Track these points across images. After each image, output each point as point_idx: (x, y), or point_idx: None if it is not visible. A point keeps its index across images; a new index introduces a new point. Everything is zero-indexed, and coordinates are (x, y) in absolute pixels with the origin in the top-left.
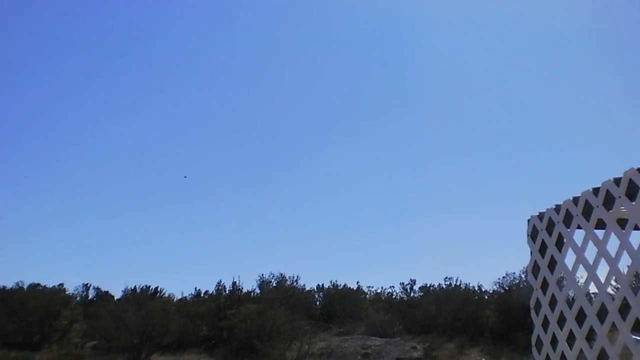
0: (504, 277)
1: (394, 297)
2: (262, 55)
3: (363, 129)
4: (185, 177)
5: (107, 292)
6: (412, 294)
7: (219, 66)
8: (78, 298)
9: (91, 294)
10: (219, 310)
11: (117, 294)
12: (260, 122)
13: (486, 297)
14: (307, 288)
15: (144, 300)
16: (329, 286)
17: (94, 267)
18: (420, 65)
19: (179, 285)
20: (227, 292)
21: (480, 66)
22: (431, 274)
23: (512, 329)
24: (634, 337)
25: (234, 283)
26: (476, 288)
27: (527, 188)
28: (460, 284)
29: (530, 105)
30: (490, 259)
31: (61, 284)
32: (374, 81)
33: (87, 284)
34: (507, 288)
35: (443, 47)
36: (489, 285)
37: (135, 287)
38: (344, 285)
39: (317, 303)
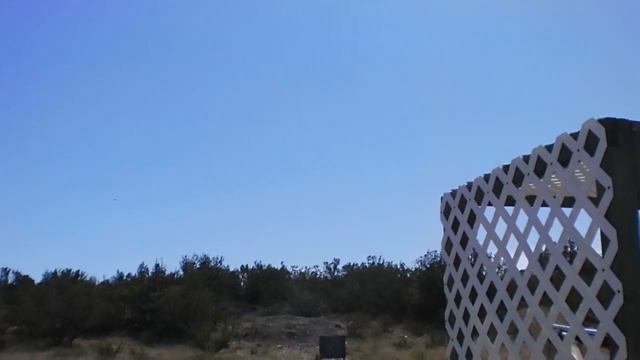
0: (425, 255)
1: (318, 276)
2: (199, 30)
3: (294, 114)
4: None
5: (27, 276)
6: (336, 273)
7: (151, 42)
8: None
9: (11, 278)
10: (142, 293)
11: (38, 278)
12: (189, 102)
13: (409, 275)
14: (232, 269)
15: (65, 284)
16: (253, 267)
17: (13, 251)
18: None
19: (101, 268)
20: (150, 274)
21: (419, 49)
22: (355, 253)
23: (434, 306)
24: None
25: (157, 265)
26: (399, 266)
27: (448, 167)
28: (383, 263)
29: (453, 87)
30: (413, 237)
31: None
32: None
33: (6, 268)
34: (429, 266)
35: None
36: (411, 264)
37: (55, 270)
38: (269, 266)
39: (242, 284)
